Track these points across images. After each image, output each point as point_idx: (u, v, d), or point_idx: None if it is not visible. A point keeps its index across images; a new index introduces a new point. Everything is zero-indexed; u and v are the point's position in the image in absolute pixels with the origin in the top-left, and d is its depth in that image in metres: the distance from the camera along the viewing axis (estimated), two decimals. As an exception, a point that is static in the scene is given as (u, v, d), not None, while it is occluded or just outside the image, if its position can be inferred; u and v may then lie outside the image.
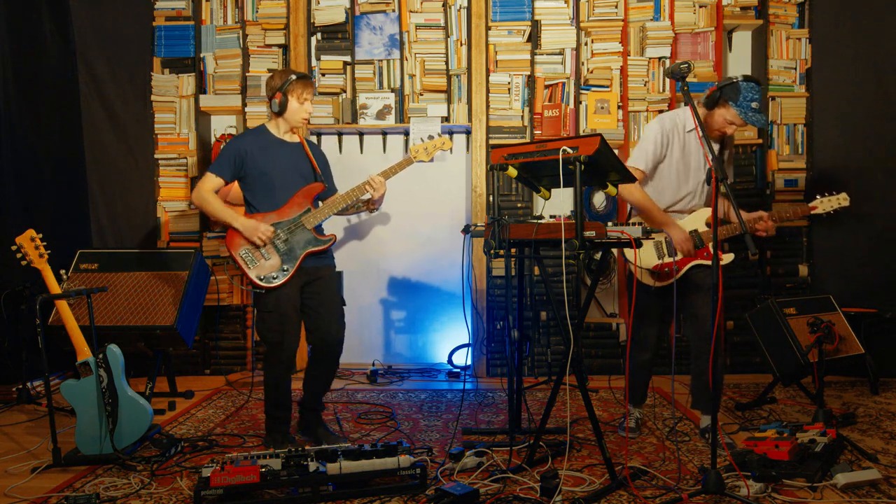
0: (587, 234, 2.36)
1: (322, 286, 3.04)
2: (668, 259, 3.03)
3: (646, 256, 3.07)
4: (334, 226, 4.67)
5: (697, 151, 3.03)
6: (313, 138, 4.75)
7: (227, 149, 2.95)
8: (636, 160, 3.05)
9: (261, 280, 2.87)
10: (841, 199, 3.07)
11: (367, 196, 3.05)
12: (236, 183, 3.03)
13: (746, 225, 2.95)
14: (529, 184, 2.74)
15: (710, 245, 2.95)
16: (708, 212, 3.04)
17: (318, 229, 3.01)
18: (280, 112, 2.96)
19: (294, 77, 2.93)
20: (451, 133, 4.70)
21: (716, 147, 3.06)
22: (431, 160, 3.30)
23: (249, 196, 2.99)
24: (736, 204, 2.49)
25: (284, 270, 2.89)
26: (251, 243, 2.89)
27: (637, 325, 3.18)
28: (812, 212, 3.09)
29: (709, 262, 2.97)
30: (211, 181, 2.93)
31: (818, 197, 3.12)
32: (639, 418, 3.24)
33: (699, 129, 2.48)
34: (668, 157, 3.04)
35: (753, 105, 2.85)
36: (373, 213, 3.17)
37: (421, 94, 4.62)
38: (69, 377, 3.02)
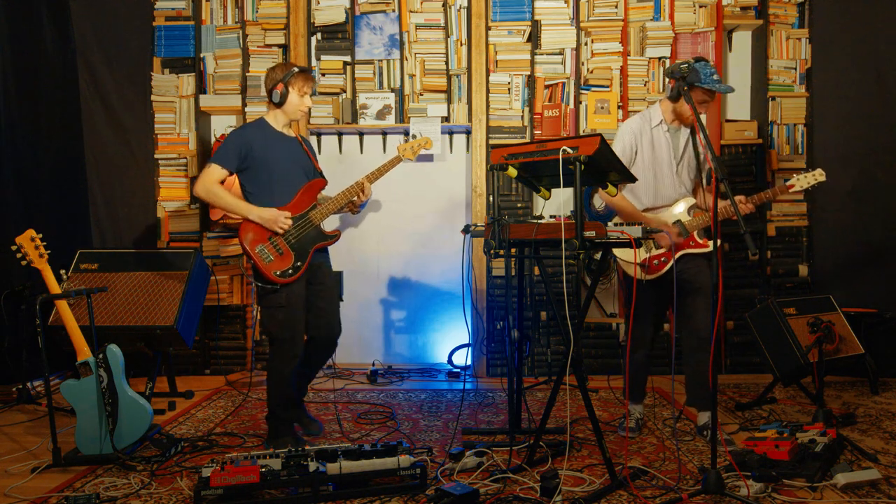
0: (587, 234, 2.37)
1: (324, 282, 3.09)
2: (654, 252, 3.08)
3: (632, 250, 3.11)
4: (332, 223, 4.67)
5: (667, 143, 3.12)
6: (313, 138, 4.74)
7: (231, 139, 2.93)
8: None
9: (278, 275, 2.86)
10: (817, 175, 3.11)
11: (354, 198, 3.11)
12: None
13: (726, 210, 3.02)
14: (529, 184, 2.74)
15: (695, 234, 3.05)
16: (690, 201, 3.12)
17: (322, 225, 3.06)
18: (280, 103, 2.96)
19: (296, 70, 2.95)
20: (451, 133, 4.70)
21: (686, 132, 3.12)
22: (417, 159, 3.52)
23: (251, 188, 2.96)
24: (734, 200, 2.49)
25: (297, 266, 2.91)
26: (267, 238, 2.88)
27: (633, 323, 3.19)
28: (790, 189, 3.14)
29: (696, 251, 3.06)
30: (216, 172, 2.89)
31: (794, 175, 3.17)
32: (639, 418, 3.25)
33: (699, 128, 2.49)
34: (640, 155, 3.12)
35: (714, 77, 2.95)
36: (355, 214, 3.27)
37: (421, 94, 4.62)
38: (69, 377, 3.02)
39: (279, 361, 2.96)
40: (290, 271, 2.89)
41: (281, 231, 2.88)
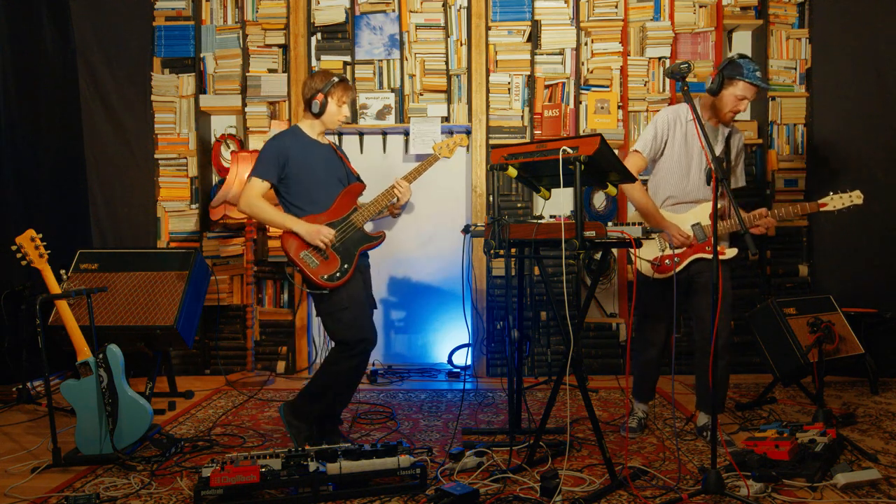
0: (587, 234, 2.37)
1: (368, 285, 3.09)
2: (668, 251, 3.05)
3: (648, 247, 3.09)
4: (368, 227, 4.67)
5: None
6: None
7: (269, 150, 2.90)
8: (637, 143, 3.14)
9: (325, 279, 2.84)
10: (854, 197, 2.94)
11: (393, 200, 3.06)
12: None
13: (746, 222, 2.98)
14: (529, 184, 2.74)
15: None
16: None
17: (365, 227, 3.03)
18: (319, 113, 2.95)
19: (336, 80, 2.94)
20: (451, 133, 4.69)
21: (723, 132, 3.08)
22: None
23: (289, 197, 2.94)
24: (735, 202, 2.50)
25: (345, 269, 2.88)
26: (311, 245, 2.86)
27: (643, 322, 3.20)
28: (822, 209, 2.99)
29: (710, 256, 2.99)
30: (257, 186, 2.87)
31: (830, 193, 3.00)
32: (642, 418, 3.24)
33: (698, 127, 2.48)
34: (671, 144, 3.07)
35: (758, 74, 2.90)
36: (396, 216, 3.23)
37: (421, 94, 4.62)
38: (69, 377, 3.02)
39: (347, 356, 2.86)
40: (337, 275, 2.86)
41: (322, 246, 2.84)
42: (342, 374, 2.88)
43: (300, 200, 2.93)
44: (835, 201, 2.98)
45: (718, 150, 3.06)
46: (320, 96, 2.92)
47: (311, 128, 3.01)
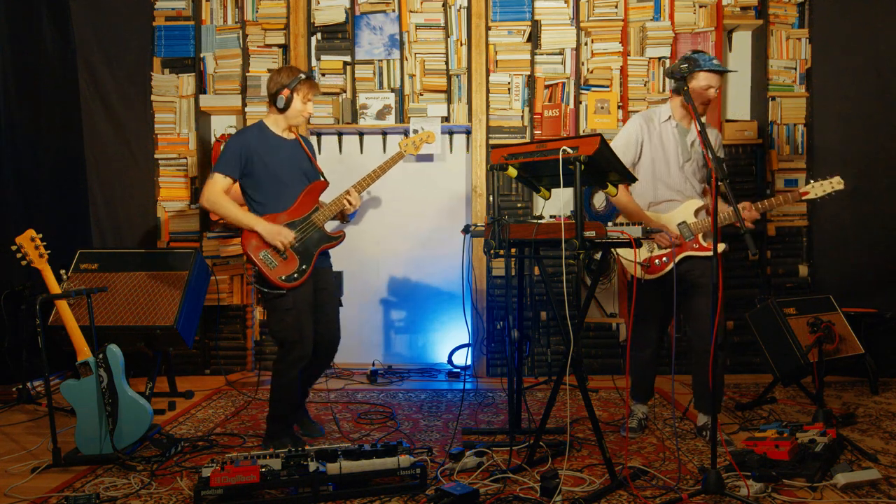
0: (587, 234, 2.37)
1: (327, 285, 3.08)
2: (657, 251, 3.07)
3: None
4: (335, 224, 4.67)
5: (675, 140, 3.10)
6: (313, 139, 4.74)
7: (231, 146, 2.91)
8: None
9: (283, 280, 2.85)
10: (834, 183, 2.97)
11: (344, 208, 3.07)
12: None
13: (731, 216, 2.99)
14: (529, 184, 2.74)
15: (700, 237, 3.02)
16: (697, 202, 3.10)
17: (325, 227, 3.05)
18: (283, 109, 2.95)
19: (303, 77, 2.94)
20: (451, 133, 4.70)
21: (695, 130, 3.10)
22: (417, 158, 3.42)
23: (253, 193, 2.95)
24: (735, 201, 2.50)
25: (303, 269, 2.90)
26: (270, 245, 2.87)
27: (637, 322, 3.19)
28: (804, 197, 3.01)
29: (699, 254, 3.03)
30: (219, 182, 2.89)
31: (811, 182, 3.02)
32: (642, 418, 3.24)
33: (699, 129, 2.49)
34: (647, 148, 3.11)
35: (714, 62, 2.96)
36: (345, 224, 3.24)
37: (421, 94, 4.62)
38: (69, 377, 3.02)
39: (287, 364, 2.92)
40: (295, 275, 2.87)
41: (281, 247, 2.86)
42: (290, 385, 2.94)
43: (263, 197, 2.94)
44: (816, 189, 2.99)
45: (689, 148, 3.10)
46: (286, 91, 2.91)
47: (275, 123, 3.01)
